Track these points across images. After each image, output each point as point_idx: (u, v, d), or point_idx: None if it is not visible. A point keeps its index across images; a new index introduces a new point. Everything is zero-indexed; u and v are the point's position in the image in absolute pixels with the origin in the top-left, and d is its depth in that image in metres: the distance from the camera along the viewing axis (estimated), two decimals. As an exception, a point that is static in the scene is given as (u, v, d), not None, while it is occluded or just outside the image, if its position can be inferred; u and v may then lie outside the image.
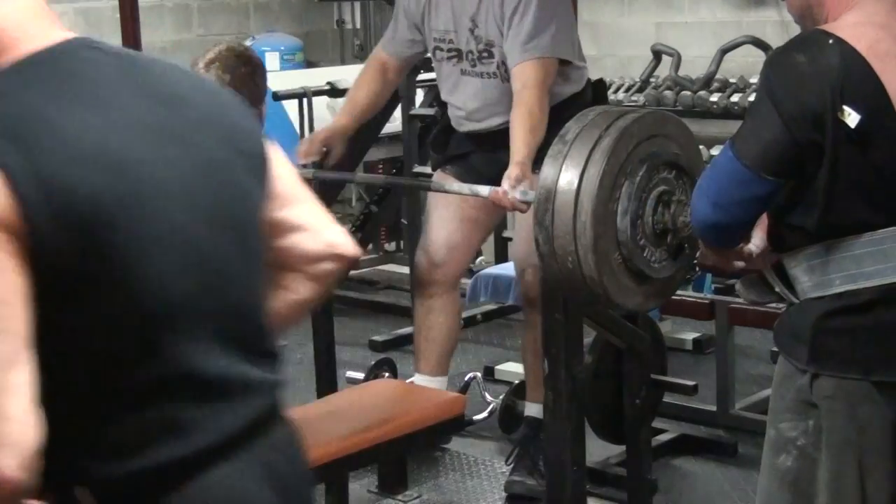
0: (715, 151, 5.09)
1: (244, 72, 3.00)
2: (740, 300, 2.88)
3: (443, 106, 4.34)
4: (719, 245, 2.36)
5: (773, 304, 2.45)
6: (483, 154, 3.83)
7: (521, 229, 3.77)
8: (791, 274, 2.25)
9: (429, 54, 3.90)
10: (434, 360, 3.94)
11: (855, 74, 2.09)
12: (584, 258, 2.56)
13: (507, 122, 3.64)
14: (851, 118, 2.08)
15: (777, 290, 2.32)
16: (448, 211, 3.88)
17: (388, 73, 3.92)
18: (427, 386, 3.85)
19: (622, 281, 2.65)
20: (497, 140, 3.74)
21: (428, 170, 4.51)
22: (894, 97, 2.10)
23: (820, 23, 2.23)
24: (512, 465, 3.85)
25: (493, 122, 3.74)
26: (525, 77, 3.51)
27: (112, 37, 6.57)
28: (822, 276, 2.19)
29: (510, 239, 5.08)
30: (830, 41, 2.12)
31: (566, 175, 2.57)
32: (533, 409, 3.78)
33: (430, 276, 3.90)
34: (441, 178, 3.89)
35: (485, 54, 3.67)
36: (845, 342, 2.18)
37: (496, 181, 3.69)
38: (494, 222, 4.00)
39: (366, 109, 3.94)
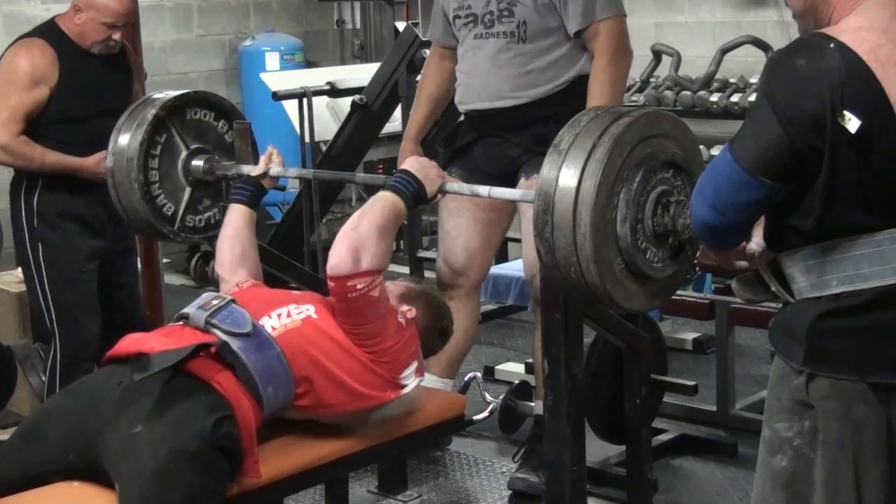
0: (715, 151, 5.10)
1: None
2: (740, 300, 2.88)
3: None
4: (718, 247, 2.36)
5: (771, 304, 2.45)
6: (488, 147, 3.83)
7: (529, 233, 3.79)
8: (787, 274, 2.25)
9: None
10: (444, 361, 3.94)
11: (856, 79, 2.08)
12: (587, 269, 2.56)
13: (512, 105, 3.71)
14: (852, 123, 2.07)
15: (773, 289, 2.32)
16: (463, 218, 3.90)
17: (446, 62, 4.00)
18: (431, 386, 3.85)
19: (626, 285, 2.65)
20: (501, 124, 3.75)
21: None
22: (895, 102, 2.10)
23: (823, 23, 2.22)
24: (519, 462, 3.86)
25: (498, 100, 3.75)
26: (603, 38, 3.63)
27: (112, 37, 6.56)
28: (819, 276, 2.18)
29: (511, 239, 5.08)
30: (831, 45, 2.11)
31: (562, 188, 2.56)
32: (541, 408, 3.78)
33: (454, 282, 3.93)
34: (446, 180, 3.90)
35: (505, 13, 3.68)
36: (842, 343, 2.17)
37: (502, 178, 3.71)
38: (509, 221, 4.01)
39: (440, 97, 4.07)
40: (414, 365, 2.98)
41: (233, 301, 2.85)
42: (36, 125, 3.95)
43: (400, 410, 3.12)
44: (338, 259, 2.80)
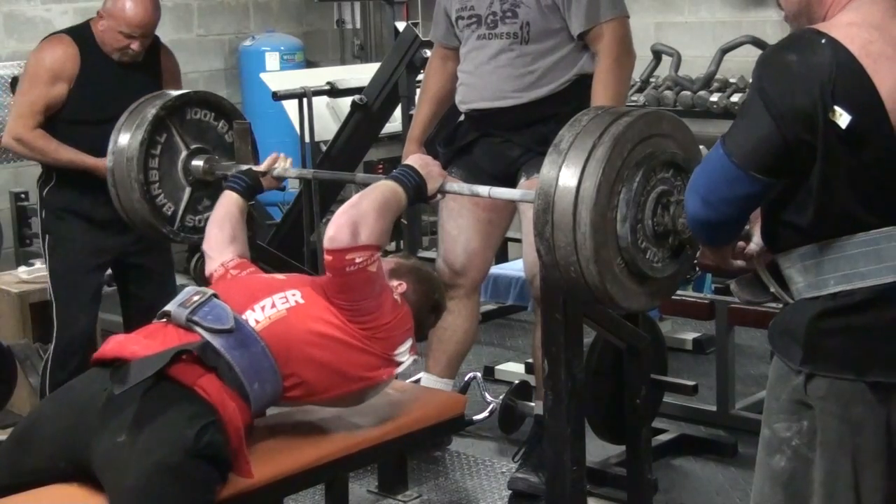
0: (715, 151, 5.09)
1: None
2: (740, 300, 2.89)
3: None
4: (712, 243, 2.36)
5: (771, 304, 2.45)
6: (488, 147, 3.83)
7: (529, 233, 3.79)
8: (786, 274, 2.25)
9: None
10: (444, 361, 3.94)
11: (847, 75, 2.08)
12: (587, 268, 2.55)
13: (513, 104, 3.71)
14: (843, 118, 2.07)
15: (772, 290, 2.32)
16: (463, 218, 3.90)
17: (448, 63, 4.00)
18: (431, 386, 3.85)
19: (626, 285, 2.65)
20: (502, 123, 3.75)
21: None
22: (886, 98, 2.09)
23: (816, 20, 2.23)
24: (519, 462, 3.86)
25: (499, 100, 3.75)
26: (607, 39, 3.63)
27: (112, 37, 6.55)
28: (816, 276, 2.18)
29: (511, 239, 5.08)
30: (823, 41, 2.11)
31: (562, 188, 2.56)
32: (541, 408, 3.78)
33: (454, 282, 3.92)
34: (447, 180, 3.90)
35: (508, 14, 3.68)
36: (840, 343, 2.17)
37: (502, 178, 3.71)
38: (509, 221, 4.01)
39: (443, 99, 4.06)
40: (409, 342, 2.94)
41: (214, 296, 2.80)
42: (53, 121, 3.98)
43: (400, 410, 3.12)
44: (335, 231, 2.75)
